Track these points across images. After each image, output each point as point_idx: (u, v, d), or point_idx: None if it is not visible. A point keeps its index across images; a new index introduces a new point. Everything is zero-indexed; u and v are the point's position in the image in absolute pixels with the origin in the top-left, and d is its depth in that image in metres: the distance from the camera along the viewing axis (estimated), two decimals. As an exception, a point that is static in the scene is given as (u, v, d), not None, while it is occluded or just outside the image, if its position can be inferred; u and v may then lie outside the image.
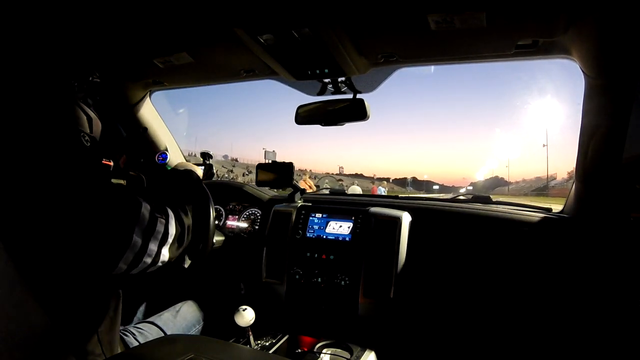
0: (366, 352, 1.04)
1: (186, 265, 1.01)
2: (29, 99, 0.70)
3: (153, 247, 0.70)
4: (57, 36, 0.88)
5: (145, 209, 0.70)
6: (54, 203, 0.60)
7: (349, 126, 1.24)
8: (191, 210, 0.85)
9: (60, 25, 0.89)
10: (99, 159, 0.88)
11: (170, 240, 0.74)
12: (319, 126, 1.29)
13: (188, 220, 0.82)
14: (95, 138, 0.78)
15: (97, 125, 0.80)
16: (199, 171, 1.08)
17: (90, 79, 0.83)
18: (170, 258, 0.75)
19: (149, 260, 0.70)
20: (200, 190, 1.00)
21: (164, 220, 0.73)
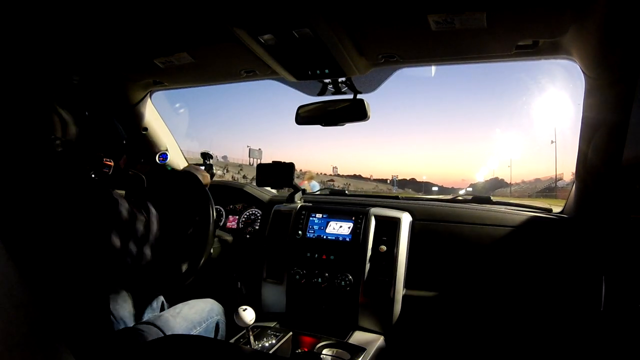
0: (372, 342, 1.05)
1: (183, 270, 1.00)
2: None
3: (133, 247, 0.67)
4: (33, 37, 0.85)
5: (123, 207, 0.67)
6: (29, 206, 0.59)
7: (347, 127, 1.24)
8: (184, 213, 0.83)
9: (55, 26, 0.88)
10: (75, 160, 0.83)
11: (152, 239, 0.71)
12: (313, 126, 1.29)
13: (175, 221, 0.79)
14: (70, 141, 0.76)
15: (72, 128, 0.77)
16: (206, 178, 1.06)
17: (70, 80, 0.81)
18: (155, 258, 0.72)
19: (129, 260, 0.68)
20: (200, 196, 0.97)
21: (143, 219, 0.70)
